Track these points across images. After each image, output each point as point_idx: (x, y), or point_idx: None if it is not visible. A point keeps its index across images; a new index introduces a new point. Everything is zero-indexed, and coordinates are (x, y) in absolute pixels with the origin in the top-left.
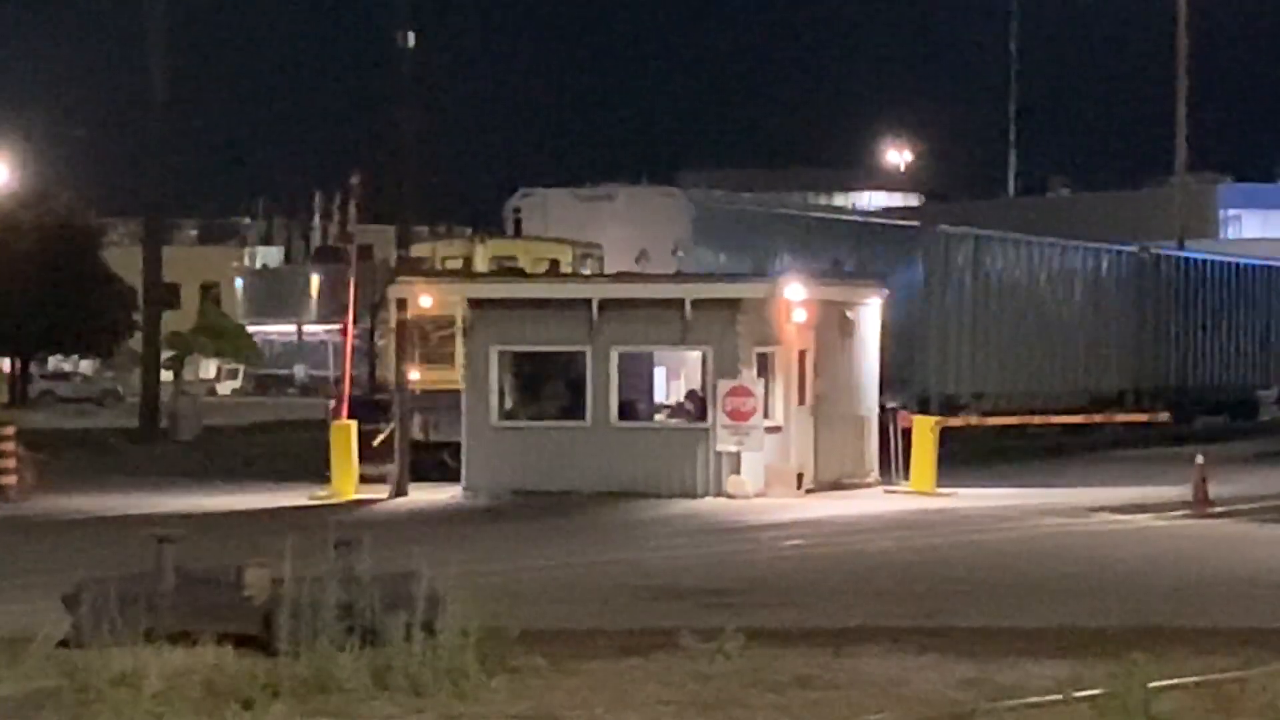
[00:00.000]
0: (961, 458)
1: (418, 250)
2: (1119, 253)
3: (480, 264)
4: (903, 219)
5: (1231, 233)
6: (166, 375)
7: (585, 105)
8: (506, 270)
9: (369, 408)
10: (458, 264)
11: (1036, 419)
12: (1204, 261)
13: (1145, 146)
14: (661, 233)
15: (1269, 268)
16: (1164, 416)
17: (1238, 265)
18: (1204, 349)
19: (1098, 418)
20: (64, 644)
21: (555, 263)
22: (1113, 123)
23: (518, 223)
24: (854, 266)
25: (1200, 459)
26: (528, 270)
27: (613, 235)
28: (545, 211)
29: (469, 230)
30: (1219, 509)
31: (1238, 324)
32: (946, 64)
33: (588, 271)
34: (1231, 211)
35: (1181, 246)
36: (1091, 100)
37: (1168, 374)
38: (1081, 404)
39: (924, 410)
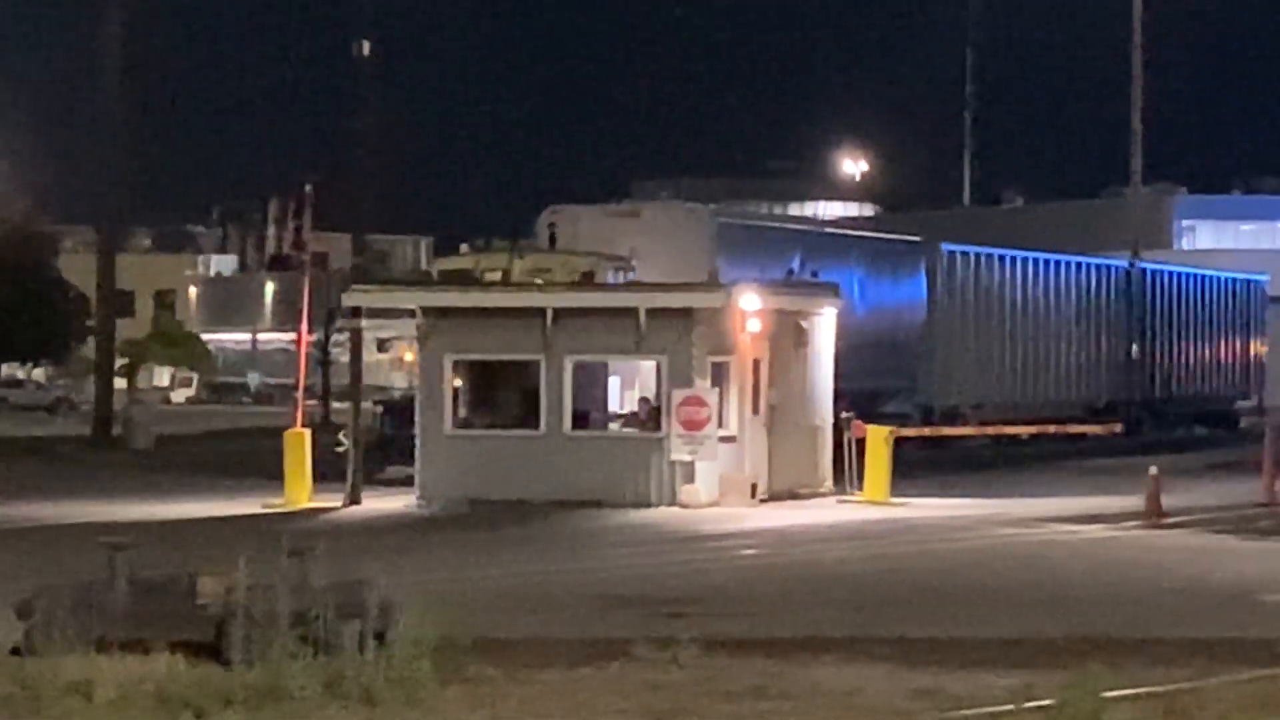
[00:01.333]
0: (919, 467)
1: (459, 262)
2: (1109, 267)
3: (518, 275)
4: (896, 232)
5: (1186, 244)
6: (121, 383)
7: (543, 117)
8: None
9: (401, 411)
10: (497, 275)
11: (990, 429)
12: (1188, 276)
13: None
14: (684, 246)
15: (1249, 282)
16: (1117, 428)
17: (1218, 279)
18: (1188, 361)
19: (1051, 429)
20: (16, 652)
21: (589, 275)
22: (1067, 134)
23: (552, 237)
24: (862, 280)
25: (1153, 470)
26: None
27: (639, 249)
28: (575, 227)
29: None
30: (1172, 519)
31: (1219, 337)
32: (902, 75)
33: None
34: (1186, 222)
35: (1136, 257)
36: (1046, 111)
37: (1154, 386)
38: (1075, 414)
39: (927, 420)
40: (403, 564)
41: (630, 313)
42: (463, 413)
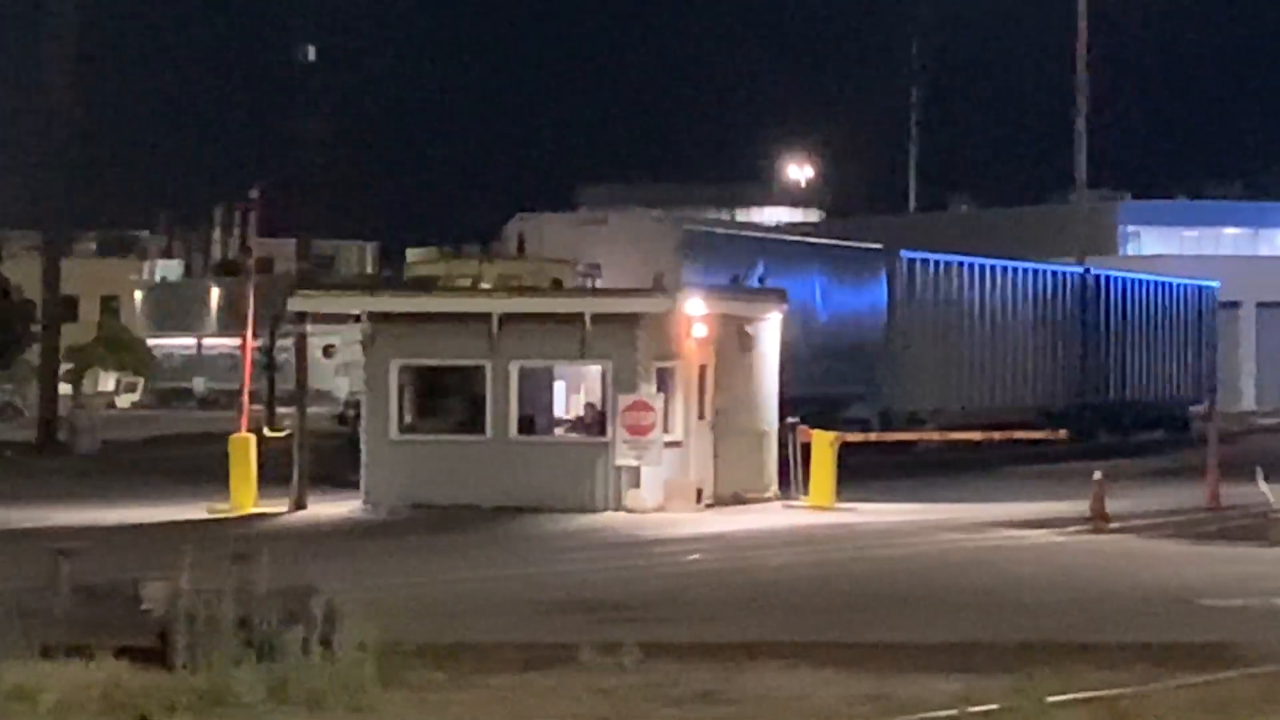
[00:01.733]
0: (865, 473)
1: (432, 269)
2: (1065, 273)
3: (487, 282)
4: (852, 239)
5: (1132, 249)
6: (65, 388)
7: (488, 123)
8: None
9: None
10: (468, 281)
11: (936, 435)
12: (1142, 282)
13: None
14: (650, 253)
15: (1200, 288)
16: (1062, 434)
17: (1171, 286)
18: (1141, 366)
19: (996, 435)
20: None
21: (558, 281)
22: (1013, 140)
23: (520, 244)
24: (824, 287)
25: (1098, 475)
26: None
27: (605, 256)
28: (542, 234)
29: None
30: (1116, 525)
31: (1172, 342)
32: (847, 81)
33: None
34: (1131, 228)
35: (1082, 263)
36: (993, 118)
37: (1109, 390)
38: (1031, 418)
39: (887, 425)
40: (348, 569)
41: (576, 318)
42: (409, 418)
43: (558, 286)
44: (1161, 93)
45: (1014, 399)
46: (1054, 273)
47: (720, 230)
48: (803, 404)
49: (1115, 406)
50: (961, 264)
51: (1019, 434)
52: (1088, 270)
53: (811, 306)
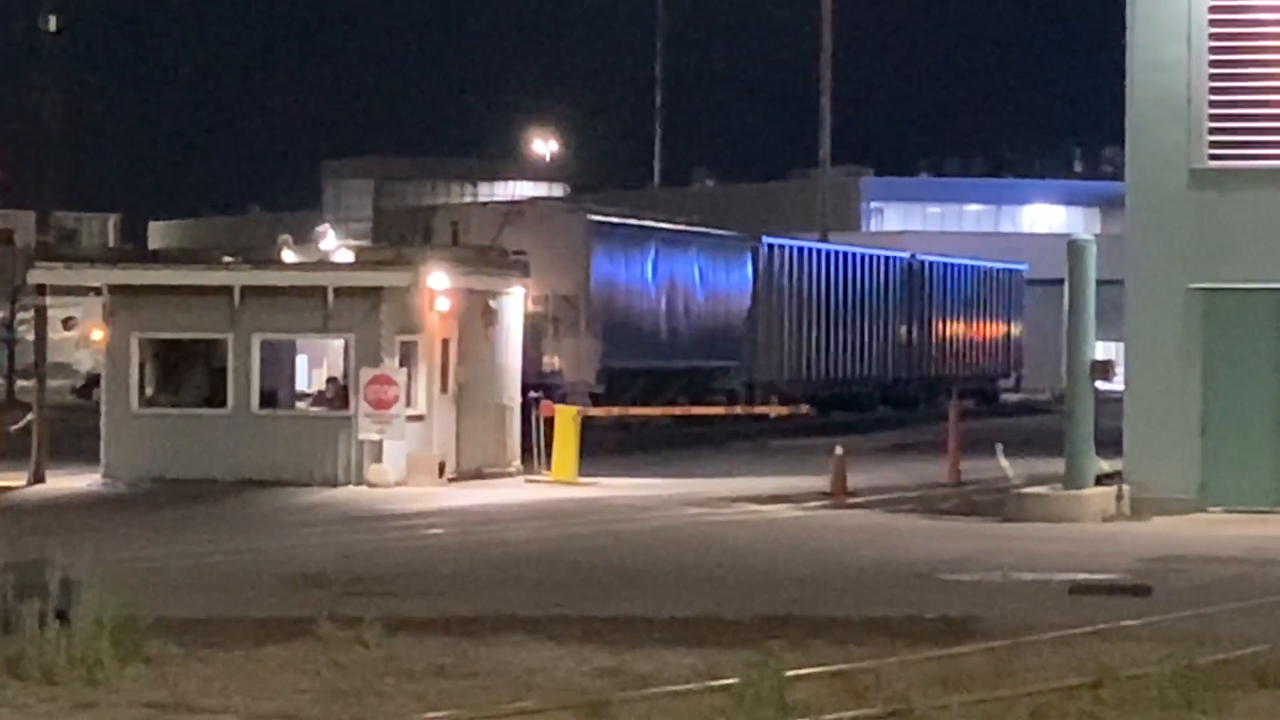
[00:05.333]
0: (611, 448)
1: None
2: (896, 259)
3: None
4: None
5: (874, 225)
6: None
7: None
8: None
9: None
10: None
11: (677, 411)
12: (959, 267)
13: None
14: (563, 242)
15: (1010, 271)
16: (805, 409)
17: (985, 269)
18: (959, 343)
19: (738, 409)
20: None
21: None
22: (756, 116)
23: (454, 234)
24: (702, 270)
25: (839, 450)
26: None
27: (524, 244)
28: (468, 223)
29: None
30: (857, 499)
31: (985, 321)
32: (592, 55)
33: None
34: (874, 204)
35: (824, 239)
36: (736, 93)
37: (930, 364)
38: (868, 390)
39: (749, 395)
40: (86, 543)
41: (318, 291)
42: (150, 391)
43: None
44: (905, 71)
45: (855, 371)
46: (886, 258)
47: (620, 221)
48: (682, 375)
49: (936, 380)
50: (814, 250)
51: (760, 409)
52: (913, 255)
53: (692, 287)
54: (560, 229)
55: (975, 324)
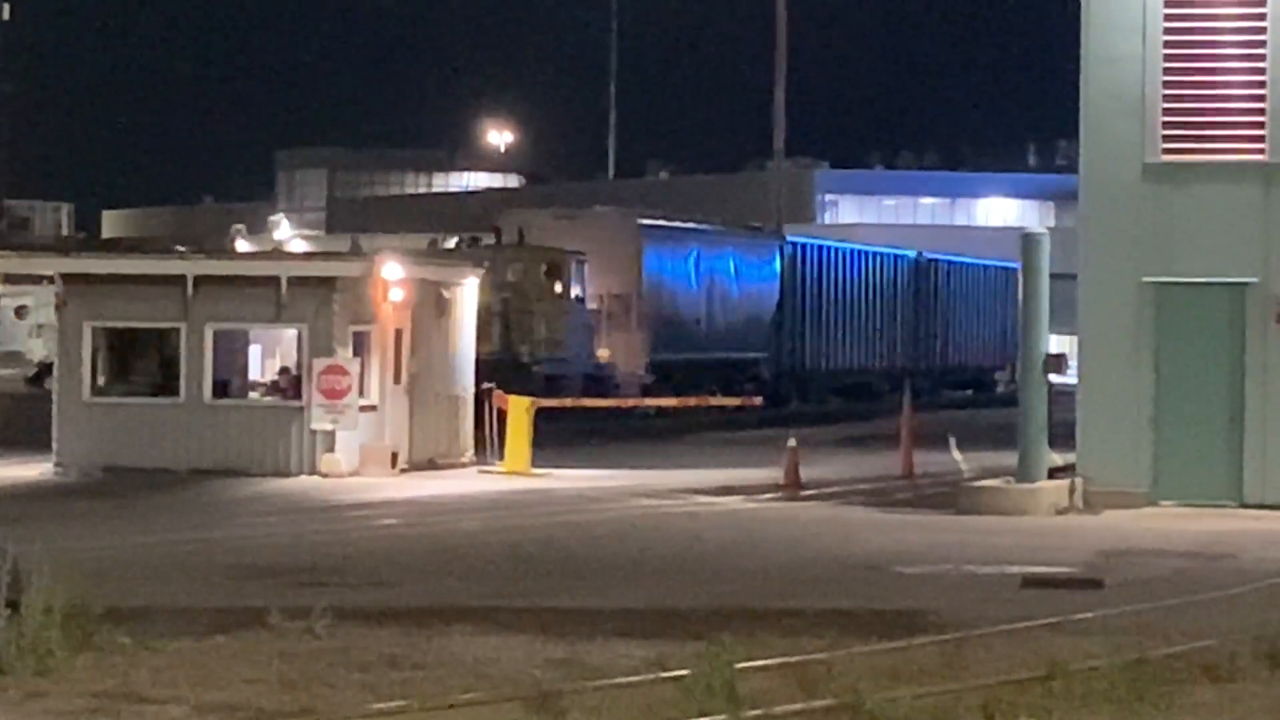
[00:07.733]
0: (564, 439)
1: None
2: (905, 257)
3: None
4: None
5: (829, 217)
6: None
7: (188, 85)
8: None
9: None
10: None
11: (630, 402)
12: (963, 265)
13: (743, 131)
14: (616, 244)
15: (1006, 268)
16: (757, 401)
17: (985, 267)
18: (960, 337)
19: (692, 401)
20: None
21: (555, 265)
22: (710, 107)
23: (521, 234)
24: (738, 267)
25: (792, 442)
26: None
27: (579, 245)
28: (528, 226)
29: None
30: (810, 491)
31: (983, 316)
32: (546, 45)
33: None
34: (829, 196)
35: (779, 231)
36: (690, 85)
37: (933, 357)
38: (876, 379)
39: (778, 380)
40: (36, 532)
41: (272, 281)
42: (102, 380)
43: (554, 270)
44: (860, 64)
45: (870, 361)
46: (896, 256)
47: (668, 224)
48: (717, 366)
49: (939, 370)
50: (836, 249)
51: (714, 401)
52: (919, 253)
53: (729, 283)
54: (613, 232)
55: (974, 319)
